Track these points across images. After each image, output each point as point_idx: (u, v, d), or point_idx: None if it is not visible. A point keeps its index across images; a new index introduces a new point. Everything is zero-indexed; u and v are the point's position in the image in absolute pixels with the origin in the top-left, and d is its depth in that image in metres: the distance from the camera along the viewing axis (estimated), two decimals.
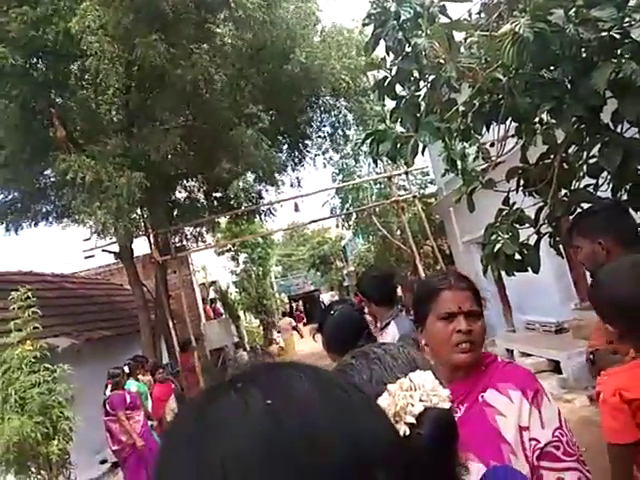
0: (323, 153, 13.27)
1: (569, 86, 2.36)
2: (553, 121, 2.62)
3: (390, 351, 0.89)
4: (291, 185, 12.84)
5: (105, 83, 7.70)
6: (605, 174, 2.63)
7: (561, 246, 3.00)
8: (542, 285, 7.39)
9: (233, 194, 9.58)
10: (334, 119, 12.54)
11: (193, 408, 0.50)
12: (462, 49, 2.65)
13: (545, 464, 1.29)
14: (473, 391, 1.43)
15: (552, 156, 2.83)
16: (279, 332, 22.13)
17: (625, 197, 2.58)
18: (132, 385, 6.80)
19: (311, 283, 37.46)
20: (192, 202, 12.07)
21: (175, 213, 11.69)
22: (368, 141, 2.87)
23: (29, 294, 5.81)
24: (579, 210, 2.61)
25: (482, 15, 3.03)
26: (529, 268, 2.73)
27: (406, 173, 11.02)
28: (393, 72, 2.78)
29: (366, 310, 2.99)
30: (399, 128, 2.92)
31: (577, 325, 6.68)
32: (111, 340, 9.99)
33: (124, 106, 8.75)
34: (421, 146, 2.75)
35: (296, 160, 12.73)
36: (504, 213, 2.90)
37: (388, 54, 2.75)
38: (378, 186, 16.43)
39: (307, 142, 12.75)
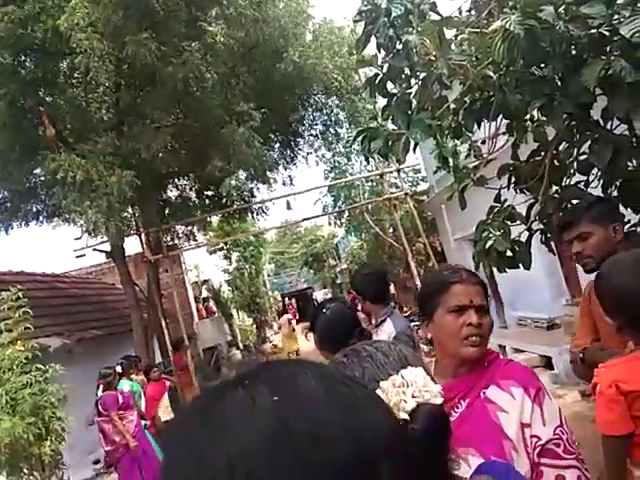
0: (315, 151, 13.27)
1: (559, 83, 2.37)
2: (544, 118, 2.63)
3: (381, 348, 0.89)
4: (283, 183, 12.84)
5: (95, 81, 7.64)
6: (595, 171, 2.64)
7: (552, 243, 3.02)
8: (533, 281, 7.44)
9: (225, 192, 9.55)
10: (326, 117, 12.55)
11: (199, 405, 0.50)
12: (453, 46, 2.65)
13: (546, 461, 1.30)
14: (475, 387, 1.44)
15: (543, 153, 2.84)
16: (279, 328, 22.08)
17: (615, 193, 2.60)
18: (125, 385, 6.77)
19: (304, 281, 37.48)
20: (184, 201, 12.03)
21: (167, 212, 11.64)
22: (360, 139, 2.87)
23: (20, 294, 5.76)
24: (574, 204, 2.61)
25: (472, 12, 3.04)
26: (520, 265, 2.74)
27: (398, 171, 11.03)
28: (384, 69, 2.78)
29: (359, 308, 3.00)
30: (391, 126, 2.91)
31: (568, 321, 6.73)
32: (103, 340, 9.94)
33: (114, 104, 8.69)
34: (413, 143, 2.75)
35: (288, 158, 12.73)
36: (495, 210, 2.91)
37: (379, 51, 2.74)
38: (370, 184, 16.46)
39: (299, 140, 12.75)
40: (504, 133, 2.95)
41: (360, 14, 2.70)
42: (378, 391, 0.77)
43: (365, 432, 0.47)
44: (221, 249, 21.96)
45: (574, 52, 2.33)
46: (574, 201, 2.62)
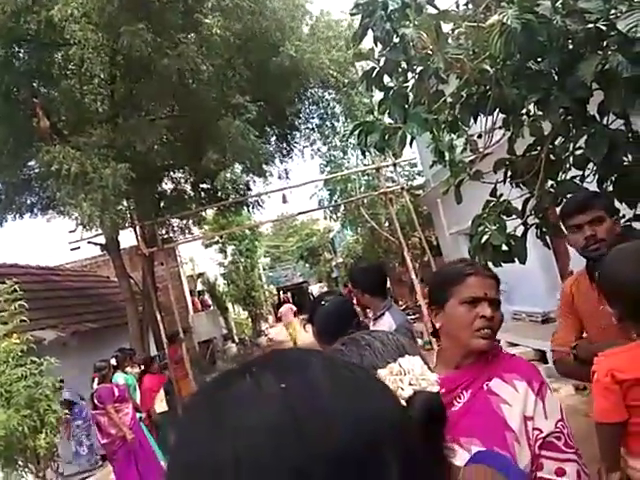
0: (311, 145, 13.24)
1: (556, 77, 2.37)
2: (540, 113, 2.63)
3: (379, 337, 0.90)
4: (279, 177, 12.81)
5: (90, 73, 7.59)
6: (591, 165, 2.65)
7: (548, 237, 3.03)
8: (528, 276, 7.46)
9: (220, 185, 9.52)
10: (322, 111, 12.51)
11: (206, 394, 0.50)
12: (450, 40, 2.64)
13: (546, 453, 1.33)
14: (478, 379, 1.46)
15: (539, 148, 2.84)
16: (279, 320, 22.64)
17: (611, 188, 2.61)
18: (119, 377, 6.77)
19: (300, 275, 37.48)
20: (179, 193, 11.99)
21: (162, 205, 11.60)
22: (356, 132, 2.87)
23: (16, 287, 5.74)
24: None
25: (470, 6, 3.03)
26: (516, 259, 2.75)
27: (394, 165, 11.01)
28: (381, 63, 2.77)
29: (354, 301, 3.01)
30: (387, 119, 2.91)
31: None
32: (98, 333, 9.93)
33: (109, 96, 8.64)
34: (409, 137, 2.75)
35: (284, 151, 12.69)
36: (491, 204, 2.92)
37: (376, 45, 2.74)
38: (366, 178, 16.44)
39: (295, 133, 12.71)
40: (500, 127, 2.96)
41: (357, 7, 2.69)
42: None
43: (372, 419, 0.47)
44: (216, 242, 21.93)
45: (571, 47, 2.33)
46: (569, 196, 2.63)
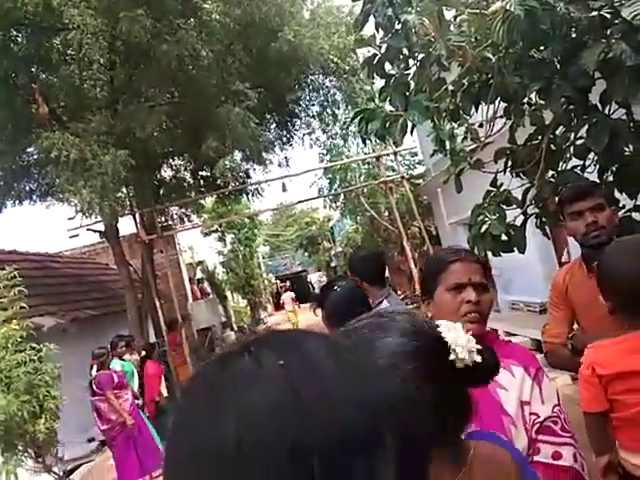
0: (310, 133, 13.17)
1: (558, 66, 2.36)
2: (542, 102, 2.61)
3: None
4: (279, 165, 12.76)
5: (88, 58, 7.52)
6: (592, 155, 2.64)
7: (547, 227, 3.02)
8: (527, 266, 7.47)
9: (220, 173, 9.49)
10: (323, 98, 12.42)
11: (205, 375, 0.50)
12: (452, 27, 2.62)
13: (543, 437, 1.34)
14: None
15: (540, 137, 2.83)
16: (281, 306, 23.95)
17: (611, 179, 2.60)
18: (116, 364, 6.80)
19: (299, 264, 37.50)
20: (178, 181, 11.95)
21: (161, 192, 11.57)
22: (357, 120, 2.85)
23: (15, 273, 5.74)
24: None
25: None
26: (515, 249, 2.74)
27: (395, 153, 10.98)
28: (382, 50, 2.75)
29: None
30: (388, 107, 2.89)
31: None
32: (97, 320, 9.95)
33: (109, 82, 8.57)
34: (410, 125, 2.73)
35: (284, 139, 12.63)
36: (491, 194, 2.91)
37: (377, 31, 2.71)
38: (366, 166, 16.39)
39: (295, 121, 12.64)
40: (501, 116, 2.94)
41: None
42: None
43: (373, 398, 0.47)
44: (215, 231, 21.91)
45: (574, 35, 2.31)
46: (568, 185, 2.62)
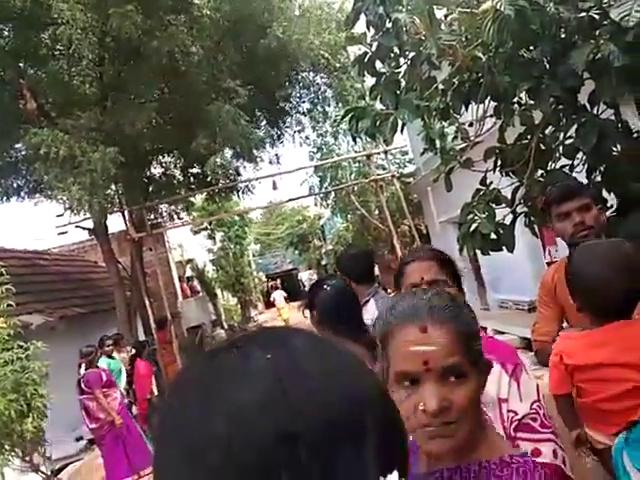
0: (301, 130, 13.14)
1: (548, 66, 2.37)
2: (531, 101, 2.63)
3: None
4: (270, 162, 12.74)
5: (78, 54, 7.45)
6: (580, 155, 2.66)
7: (536, 226, 3.04)
8: (516, 264, 7.51)
9: (210, 170, 9.45)
10: (313, 95, 12.41)
11: (193, 371, 0.50)
12: (443, 26, 2.62)
13: (522, 435, 1.33)
14: None
15: (529, 137, 2.84)
16: (271, 304, 24.67)
17: (599, 178, 2.62)
18: (103, 362, 6.77)
19: (289, 262, 37.45)
20: (168, 178, 11.89)
21: (150, 189, 11.50)
22: (348, 118, 2.85)
23: (2, 270, 5.68)
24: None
25: None
26: (504, 247, 2.76)
27: (385, 152, 10.99)
28: (373, 48, 2.75)
29: None
30: (379, 105, 2.90)
31: None
32: (86, 318, 9.88)
33: (98, 78, 8.51)
34: (400, 124, 2.74)
35: (274, 136, 12.60)
36: (481, 193, 2.92)
37: (369, 29, 2.71)
38: (357, 165, 16.39)
39: (286, 118, 12.62)
40: (491, 116, 2.95)
41: None
42: None
43: (357, 392, 0.48)
44: (205, 229, 21.83)
45: (564, 35, 2.32)
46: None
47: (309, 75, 11.87)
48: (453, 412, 0.91)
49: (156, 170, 11.80)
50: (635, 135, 2.37)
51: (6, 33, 8.23)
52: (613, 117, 2.49)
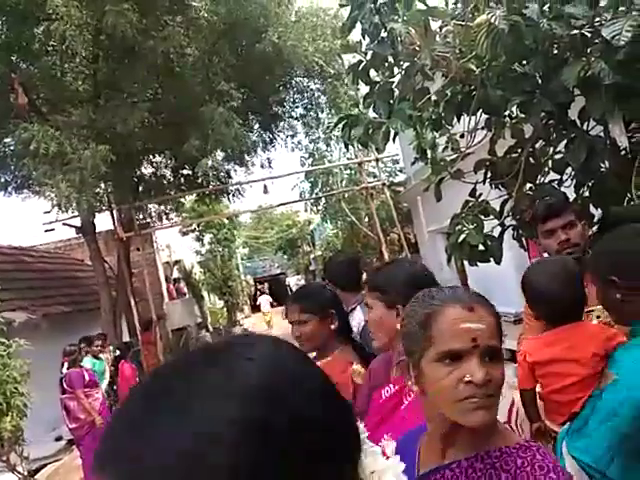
0: (293, 135, 13.17)
1: (540, 81, 2.39)
2: (522, 115, 2.65)
3: None
4: (261, 166, 12.74)
5: (71, 50, 7.40)
6: (569, 170, 2.69)
7: (523, 239, 3.06)
8: (502, 276, 7.56)
9: (201, 172, 9.42)
10: (307, 101, 12.45)
11: (166, 380, 0.51)
12: (437, 37, 2.64)
13: None
14: None
15: (520, 150, 2.87)
16: (257, 308, 25.75)
17: (587, 194, 2.65)
18: (87, 362, 6.69)
19: (277, 266, 37.38)
20: (158, 178, 11.84)
21: (140, 189, 11.44)
22: (340, 125, 2.86)
23: None
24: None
25: (459, 5, 3.03)
26: (492, 259, 2.77)
27: (377, 160, 11.03)
28: (368, 56, 2.76)
29: None
30: (372, 114, 2.91)
31: None
32: (70, 316, 9.77)
33: (91, 76, 8.46)
34: (392, 133, 2.75)
35: (267, 140, 12.61)
36: (470, 204, 2.94)
37: (364, 37, 2.72)
38: (348, 172, 16.44)
39: (279, 123, 12.64)
40: (483, 128, 2.97)
41: None
42: None
43: (331, 398, 0.53)
44: (193, 231, 21.73)
45: (556, 51, 2.35)
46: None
47: (303, 81, 11.92)
48: (493, 386, 0.99)
49: (146, 170, 11.75)
50: (623, 152, 2.40)
51: None
52: (602, 134, 2.52)
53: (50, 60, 8.15)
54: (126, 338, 10.74)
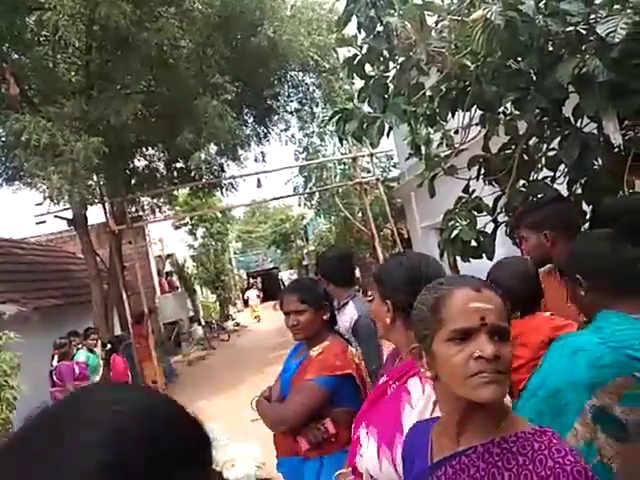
0: (287, 129, 13.13)
1: (534, 78, 2.39)
2: (516, 112, 2.65)
3: None
4: (255, 160, 12.70)
5: (64, 41, 7.34)
6: (562, 167, 2.69)
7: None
8: None
9: (194, 166, 9.38)
10: (301, 95, 12.41)
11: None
12: (433, 32, 2.64)
13: None
14: (407, 374, 1.45)
15: (513, 147, 2.87)
16: (246, 303, 26.53)
17: (580, 191, 2.66)
18: (82, 355, 6.66)
19: (270, 261, 37.37)
20: (151, 171, 11.77)
21: (133, 182, 11.37)
22: (335, 119, 2.85)
23: None
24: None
25: (455, 0, 3.03)
26: (484, 255, 2.78)
27: (371, 155, 11.02)
28: (363, 50, 2.75)
29: None
30: (366, 108, 2.90)
31: None
32: (62, 309, 9.72)
33: (84, 67, 8.39)
34: (387, 128, 2.74)
35: (261, 134, 12.57)
36: (463, 200, 2.94)
37: (359, 31, 2.71)
38: (342, 167, 16.41)
39: (273, 117, 12.59)
40: (477, 124, 2.97)
41: None
42: None
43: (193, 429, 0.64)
44: (186, 224, 21.66)
45: (551, 48, 2.35)
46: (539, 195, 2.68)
47: (298, 75, 11.88)
48: (503, 363, 1.02)
49: (139, 162, 11.68)
50: (616, 150, 2.40)
51: None
52: (596, 131, 2.52)
53: (42, 50, 8.08)
54: (118, 331, 10.71)
